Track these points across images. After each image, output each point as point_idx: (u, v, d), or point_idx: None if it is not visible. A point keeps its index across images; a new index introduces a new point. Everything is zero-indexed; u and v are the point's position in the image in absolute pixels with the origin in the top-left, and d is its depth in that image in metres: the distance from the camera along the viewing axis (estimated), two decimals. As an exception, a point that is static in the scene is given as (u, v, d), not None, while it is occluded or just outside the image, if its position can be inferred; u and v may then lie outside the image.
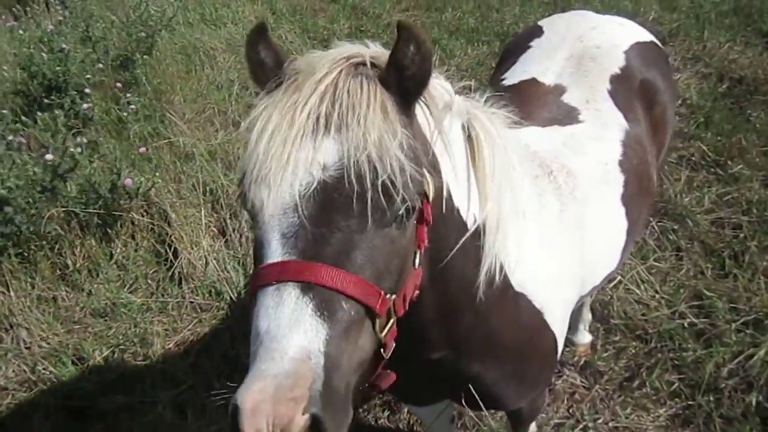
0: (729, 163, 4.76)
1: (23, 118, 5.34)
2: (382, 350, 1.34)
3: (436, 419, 2.44)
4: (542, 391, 2.36)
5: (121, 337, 3.92)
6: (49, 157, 4.28)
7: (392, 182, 1.22)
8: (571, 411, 3.37)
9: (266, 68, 1.41)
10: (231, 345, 3.82)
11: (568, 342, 3.59)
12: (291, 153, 1.23)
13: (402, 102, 1.33)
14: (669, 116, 2.86)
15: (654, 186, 2.73)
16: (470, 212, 1.63)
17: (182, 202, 4.65)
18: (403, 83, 1.31)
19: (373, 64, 1.35)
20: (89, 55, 6.44)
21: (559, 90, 2.55)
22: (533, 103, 2.45)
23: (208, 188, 4.80)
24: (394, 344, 1.39)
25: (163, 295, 4.23)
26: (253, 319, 1.20)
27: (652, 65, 2.79)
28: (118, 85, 6.27)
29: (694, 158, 4.90)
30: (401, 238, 1.32)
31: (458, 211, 1.61)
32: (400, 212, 1.28)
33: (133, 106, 5.78)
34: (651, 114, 2.72)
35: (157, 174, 4.71)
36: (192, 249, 4.35)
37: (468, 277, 1.68)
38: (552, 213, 2.06)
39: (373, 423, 3.41)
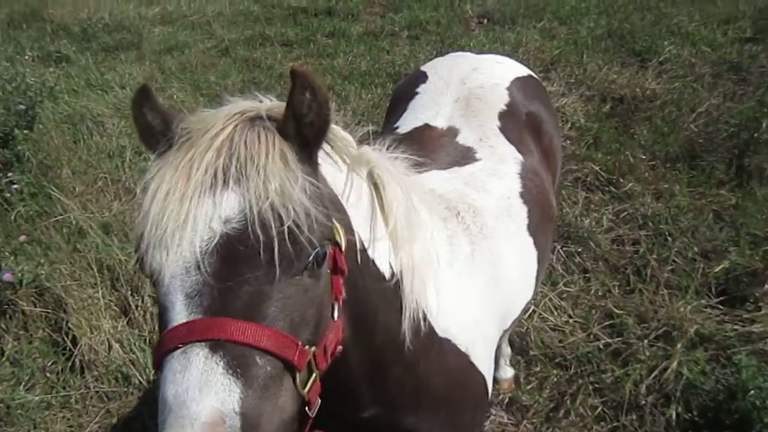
0: (621, 180, 4.96)
1: None
2: (306, 408, 1.28)
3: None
4: None
5: (19, 443, 3.58)
6: None
7: (298, 227, 1.18)
8: (502, 451, 3.34)
9: (155, 131, 1.35)
10: (146, 435, 3.56)
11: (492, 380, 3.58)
12: (189, 210, 1.18)
13: (303, 151, 1.29)
14: (556, 144, 3.00)
15: (555, 211, 2.83)
16: (385, 262, 1.61)
17: (77, 284, 4.34)
18: (303, 131, 1.28)
19: (269, 117, 1.31)
20: (-37, 135, 6.01)
21: (453, 132, 2.60)
22: (430, 148, 2.47)
23: (105, 265, 4.52)
24: (321, 402, 1.33)
25: (64, 388, 3.90)
26: (159, 388, 1.12)
27: (534, 97, 2.91)
28: (-1, 164, 5.88)
29: (588, 179, 5.08)
30: (315, 288, 1.28)
31: (374, 262, 1.58)
32: (310, 259, 1.23)
33: (16, 186, 5.42)
34: (541, 144, 2.82)
35: (47, 258, 4.39)
36: (92, 333, 4.05)
37: (392, 328, 1.64)
38: (465, 254, 2.07)
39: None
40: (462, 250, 2.07)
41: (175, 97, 7.08)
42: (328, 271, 1.34)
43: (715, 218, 4.50)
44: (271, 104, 1.39)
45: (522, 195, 2.51)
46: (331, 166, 1.49)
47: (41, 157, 5.93)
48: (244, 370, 1.12)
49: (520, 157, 2.63)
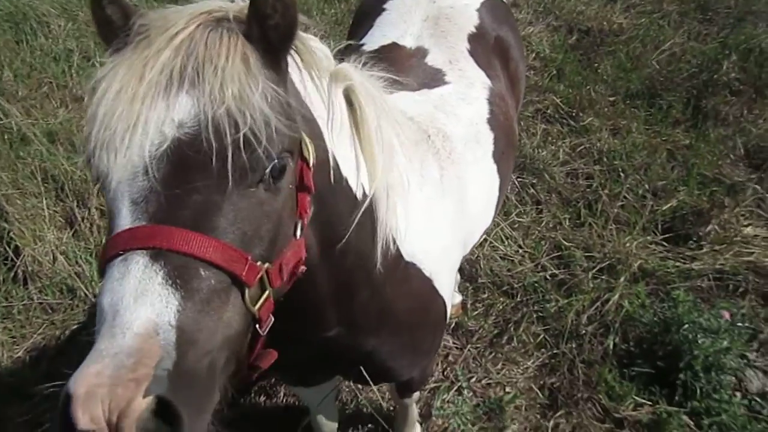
0: (580, 114, 4.96)
1: None
2: (257, 326, 1.23)
3: (323, 400, 2.38)
4: (433, 357, 2.38)
5: (-41, 352, 3.52)
6: None
7: (255, 135, 1.12)
8: (445, 373, 3.44)
9: (114, 26, 1.26)
10: (90, 347, 3.53)
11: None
12: (141, 111, 1.11)
13: (268, 56, 1.22)
14: (521, 70, 2.96)
15: (517, 139, 2.83)
16: (359, 183, 1.57)
17: (20, 192, 4.19)
18: (267, 34, 1.20)
19: (238, 19, 1.23)
20: None
21: (422, 52, 2.53)
22: (398, 68, 2.39)
23: (49, 175, 4.36)
24: (283, 321, 1.30)
25: (6, 299, 3.83)
26: (98, 296, 1.08)
27: (503, 22, 2.85)
28: (-67, 61, 5.53)
29: (548, 111, 5.07)
30: (272, 202, 1.22)
31: (347, 181, 1.52)
32: (266, 171, 1.18)
33: (-47, 86, 5.12)
34: (507, 69, 2.78)
35: (-14, 163, 4.21)
36: (36, 244, 3.95)
37: (363, 250, 1.61)
38: (434, 178, 2.05)
39: (249, 409, 3.31)
40: (431, 174, 2.05)
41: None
42: (291, 186, 1.29)
43: (668, 157, 4.57)
44: (243, 5, 1.29)
45: (489, 121, 2.48)
46: (306, 79, 1.42)
47: (-20, 56, 5.59)
48: (185, 281, 1.07)
49: (488, 82, 2.59)
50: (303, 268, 1.39)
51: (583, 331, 3.50)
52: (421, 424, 3.17)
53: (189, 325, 1.05)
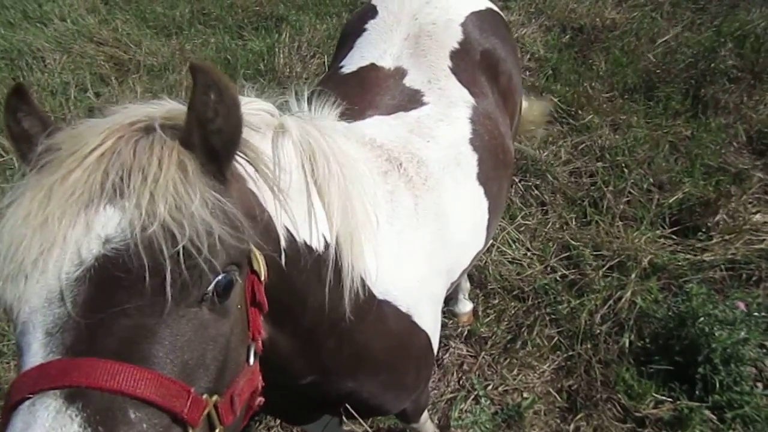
0: (579, 112, 4.93)
1: None
2: None
3: (324, 429, 2.34)
4: (424, 389, 2.31)
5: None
6: None
7: (196, 247, 0.98)
8: (461, 382, 3.40)
9: (34, 140, 1.12)
10: None
11: (451, 314, 3.62)
12: (57, 231, 0.97)
13: (210, 165, 1.09)
14: (515, 82, 2.85)
15: (511, 157, 2.71)
16: (319, 236, 1.45)
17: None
18: (209, 140, 1.07)
19: (168, 126, 1.10)
20: None
21: (400, 73, 2.42)
22: (375, 90, 2.32)
23: None
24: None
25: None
26: None
27: (490, 34, 2.74)
28: (-68, 103, 5.55)
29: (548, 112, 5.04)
30: (218, 323, 1.07)
31: (305, 243, 1.41)
32: (210, 288, 1.03)
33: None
34: (497, 84, 2.68)
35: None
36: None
37: (322, 305, 1.50)
38: (407, 209, 1.94)
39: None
40: (403, 205, 1.93)
41: (120, 29, 6.72)
42: (239, 306, 1.14)
43: (671, 149, 4.53)
44: (171, 108, 1.20)
45: (472, 141, 2.36)
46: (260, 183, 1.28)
47: (-22, 95, 5.61)
48: (110, 427, 0.88)
49: (472, 100, 2.47)
50: (261, 399, 1.26)
51: (598, 331, 3.46)
52: (440, 436, 3.14)
53: None
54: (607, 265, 3.75)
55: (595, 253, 3.85)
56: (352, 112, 2.06)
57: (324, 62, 5.64)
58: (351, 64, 2.52)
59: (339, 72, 2.51)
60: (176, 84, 5.63)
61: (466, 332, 3.59)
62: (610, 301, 3.56)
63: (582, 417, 3.19)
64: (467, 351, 3.53)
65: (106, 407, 0.89)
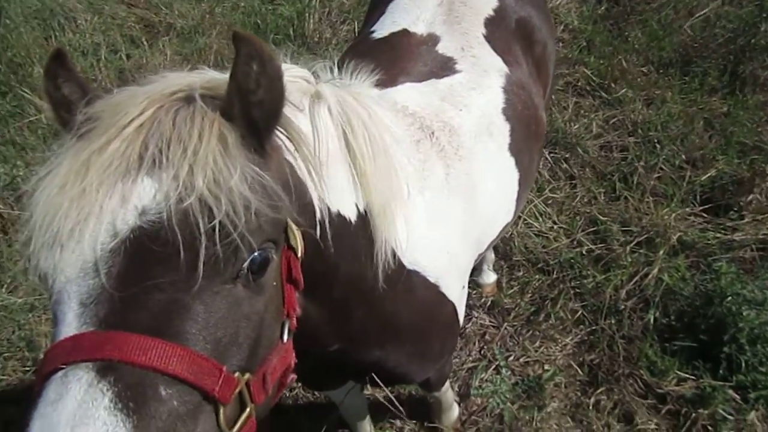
0: (613, 85, 4.84)
1: None
2: None
3: (346, 395, 2.37)
4: (448, 359, 2.32)
5: (5, 343, 3.60)
6: None
7: (233, 224, 0.97)
8: (482, 352, 3.41)
9: (73, 108, 1.11)
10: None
11: (475, 284, 3.61)
12: (93, 202, 0.97)
13: (250, 137, 1.08)
14: (550, 52, 2.79)
15: (544, 128, 2.66)
16: (351, 205, 1.45)
17: (55, 186, 4.25)
18: (250, 112, 1.06)
19: (209, 96, 1.09)
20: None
21: (433, 39, 2.37)
22: (407, 57, 2.28)
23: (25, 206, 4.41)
24: None
25: (47, 290, 3.90)
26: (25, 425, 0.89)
27: (526, 2, 2.68)
28: (-34, 60, 5.63)
29: (579, 84, 4.95)
30: (253, 302, 1.06)
31: (339, 213, 1.40)
32: (245, 264, 1.02)
33: (-15, 85, 5.21)
34: (532, 54, 2.63)
35: (22, 160, 4.28)
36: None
37: (354, 274, 1.50)
38: (438, 179, 1.92)
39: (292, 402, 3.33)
40: (435, 175, 1.91)
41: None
42: (275, 283, 1.14)
43: (706, 126, 4.43)
44: (211, 77, 1.18)
45: (505, 111, 2.32)
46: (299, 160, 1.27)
47: (10, 55, 5.67)
48: (140, 404, 0.88)
49: (505, 68, 2.42)
50: (293, 376, 1.26)
51: (622, 307, 3.43)
52: (459, 404, 3.16)
53: None
54: (635, 241, 3.71)
55: (623, 228, 3.81)
56: (383, 79, 2.04)
57: (354, 29, 5.58)
58: (382, 29, 2.48)
59: (370, 37, 2.47)
60: (206, 47, 5.62)
61: (489, 303, 3.59)
62: (637, 277, 3.53)
63: (603, 391, 3.19)
64: (490, 321, 3.54)
65: (137, 383, 0.89)
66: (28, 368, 3.49)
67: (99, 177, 0.99)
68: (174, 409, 0.91)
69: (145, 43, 5.91)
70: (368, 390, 2.98)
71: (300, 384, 3.24)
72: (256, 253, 1.04)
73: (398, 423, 3.16)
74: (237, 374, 1.01)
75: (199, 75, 1.21)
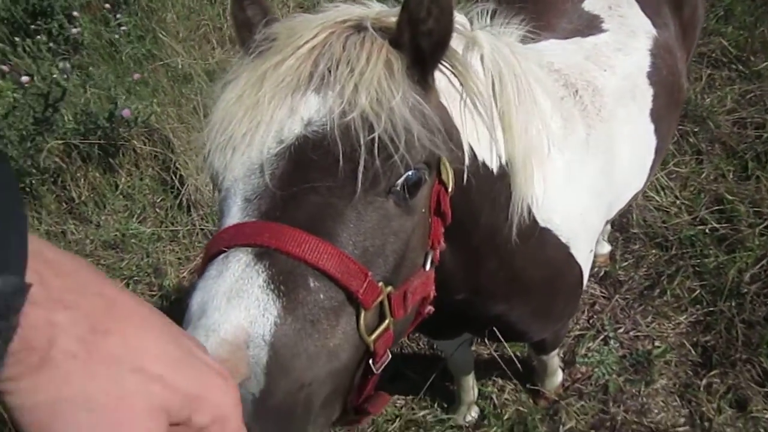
0: (752, 58, 4.53)
1: (7, 48, 5.11)
2: (371, 362, 1.05)
3: (457, 348, 2.41)
4: (566, 322, 2.30)
5: (134, 269, 3.89)
6: (25, 79, 4.10)
7: (392, 140, 1.01)
8: (591, 322, 3.36)
9: (254, 29, 1.19)
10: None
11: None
12: (264, 112, 1.04)
13: (415, 67, 1.11)
14: (699, 16, 2.66)
15: (684, 96, 2.54)
16: (495, 157, 1.45)
17: (184, 126, 4.49)
18: (418, 41, 1.09)
19: (378, 27, 1.13)
20: (73, -25, 6.09)
21: None
22: (551, 13, 2.23)
23: (209, 111, 4.62)
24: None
25: (172, 224, 4.16)
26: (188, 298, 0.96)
27: None
28: (107, 5, 5.96)
29: (714, 55, 4.66)
30: (402, 219, 1.09)
31: (483, 163, 1.41)
32: (400, 180, 1.06)
33: (124, 28, 5.51)
34: (681, 16, 2.51)
35: (156, 99, 4.53)
36: (198, 175, 4.23)
37: (492, 225, 1.51)
38: (579, 138, 1.88)
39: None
40: (576, 134, 1.88)
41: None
42: (424, 210, 1.16)
43: None
44: (381, 11, 1.22)
45: (649, 75, 2.24)
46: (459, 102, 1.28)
47: (146, 0, 5.97)
48: (290, 289, 0.92)
49: (653, 31, 2.33)
50: (430, 308, 1.27)
51: (745, 290, 3.27)
52: (563, 370, 3.14)
53: (286, 345, 0.89)
54: (765, 224, 3.50)
55: (753, 209, 3.60)
56: (527, 33, 2.01)
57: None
58: None
59: None
60: None
61: (602, 273, 3.51)
62: (764, 261, 3.34)
63: (716, 374, 3.07)
64: (600, 292, 3.46)
65: (290, 271, 0.94)
66: (154, 293, 3.76)
67: (272, 90, 1.06)
68: (320, 301, 0.95)
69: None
70: (475, 347, 3.01)
71: (416, 333, 3.33)
72: (411, 172, 1.07)
73: (500, 381, 3.18)
74: (381, 284, 1.04)
75: (369, 8, 1.26)
